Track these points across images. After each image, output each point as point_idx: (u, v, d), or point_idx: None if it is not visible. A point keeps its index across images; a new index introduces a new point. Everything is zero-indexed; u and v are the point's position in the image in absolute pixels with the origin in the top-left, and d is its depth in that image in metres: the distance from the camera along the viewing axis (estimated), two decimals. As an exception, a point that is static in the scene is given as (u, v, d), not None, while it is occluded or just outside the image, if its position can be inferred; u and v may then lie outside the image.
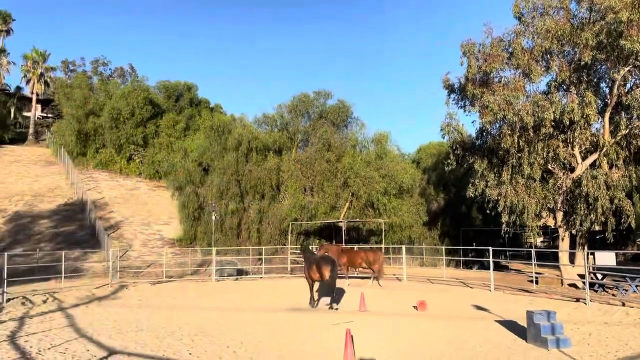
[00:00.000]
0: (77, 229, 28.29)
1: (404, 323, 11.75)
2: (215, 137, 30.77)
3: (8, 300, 15.22)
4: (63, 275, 18.58)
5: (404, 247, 22.80)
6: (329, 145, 30.73)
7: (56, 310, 13.91)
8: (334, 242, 28.79)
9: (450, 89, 22.05)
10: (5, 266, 15.66)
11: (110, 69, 60.82)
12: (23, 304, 15.16)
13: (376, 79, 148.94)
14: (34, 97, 53.81)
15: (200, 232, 28.96)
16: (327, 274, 14.11)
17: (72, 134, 40.06)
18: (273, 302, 15.91)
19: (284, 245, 27.93)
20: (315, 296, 14.88)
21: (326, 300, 14.63)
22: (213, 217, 25.96)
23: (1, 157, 42.12)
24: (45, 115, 59.55)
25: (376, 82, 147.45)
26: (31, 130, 52.58)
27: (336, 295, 14.67)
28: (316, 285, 15.17)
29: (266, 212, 29.00)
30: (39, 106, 57.16)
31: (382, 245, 27.04)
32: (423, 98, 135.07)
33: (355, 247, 25.35)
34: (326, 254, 16.84)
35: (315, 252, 18.13)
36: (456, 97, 21.86)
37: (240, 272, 23.70)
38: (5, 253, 17.03)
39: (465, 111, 21.42)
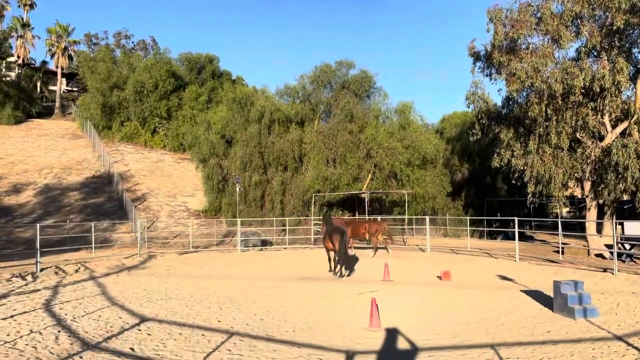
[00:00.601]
0: (105, 201, 28.93)
1: (428, 293, 11.80)
2: (238, 109, 30.81)
3: (42, 269, 15.73)
4: (93, 245, 19.08)
5: (427, 217, 22.73)
6: (352, 116, 30.50)
7: (88, 280, 14.35)
8: (353, 215, 28.87)
9: (476, 56, 21.52)
10: (38, 237, 16.13)
11: (132, 42, 61.13)
12: (56, 273, 15.67)
13: (400, 48, 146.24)
14: (59, 71, 54.49)
15: (224, 203, 29.33)
16: (336, 243, 14.54)
17: (97, 107, 40.60)
18: (298, 271, 16.13)
19: (307, 216, 28.12)
20: (333, 265, 15.25)
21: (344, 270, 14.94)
22: (237, 189, 26.23)
23: (29, 130, 43.06)
24: (70, 89, 60.40)
25: (400, 51, 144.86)
26: (57, 104, 53.44)
27: (346, 264, 15.03)
28: (332, 255, 15.53)
29: (289, 184, 29.16)
30: (64, 80, 57.94)
31: (406, 216, 27.07)
32: (448, 67, 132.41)
33: (379, 218, 25.36)
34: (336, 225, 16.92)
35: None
36: (482, 65, 21.34)
37: (265, 243, 24.02)
38: (37, 224, 17.51)
39: (491, 79, 20.95)
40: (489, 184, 35.89)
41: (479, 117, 21.90)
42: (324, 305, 10.37)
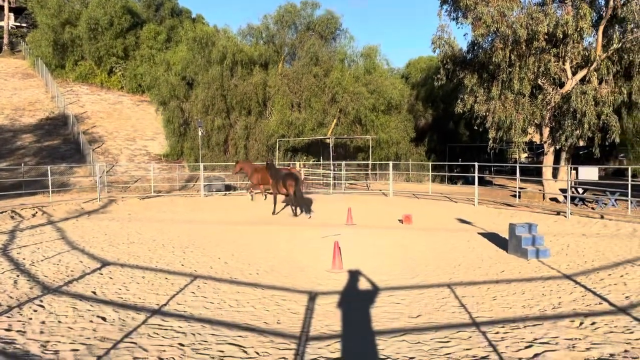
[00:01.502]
0: (61, 144, 27.89)
1: (389, 236, 12.07)
2: (199, 49, 29.64)
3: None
4: (50, 189, 18.52)
5: (390, 163, 22.98)
6: (317, 59, 29.89)
7: (46, 224, 14.01)
8: (318, 161, 28.92)
9: (443, -1, 21.18)
10: (-9, 181, 15.53)
11: (84, -26, 57.10)
12: (12, 217, 15.22)
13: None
14: (6, 5, 50.74)
15: (186, 147, 28.77)
16: (291, 189, 15.72)
17: (49, 45, 38.27)
18: (262, 216, 16.18)
19: (272, 161, 27.96)
20: (278, 208, 16.96)
21: (302, 210, 16.32)
22: (199, 133, 25.68)
23: (-24, 69, 40.47)
24: (19, 24, 56.55)
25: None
26: (5, 41, 50.10)
27: (305, 206, 16.49)
28: (280, 198, 17.56)
29: (253, 129, 28.76)
30: (11, 15, 54.10)
31: (370, 162, 27.28)
32: (415, 9, 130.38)
33: (343, 163, 25.48)
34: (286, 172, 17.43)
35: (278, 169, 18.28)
36: (449, 9, 21.04)
37: (228, 188, 23.90)
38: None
39: (457, 23, 20.73)
40: (451, 129, 36.39)
41: (445, 62, 21.82)
42: (288, 249, 10.49)
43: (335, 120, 29.38)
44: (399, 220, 14.56)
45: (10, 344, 5.26)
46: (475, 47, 21.30)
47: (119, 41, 38.07)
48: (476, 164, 18.70)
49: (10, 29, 52.14)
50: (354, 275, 8.06)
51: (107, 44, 37.80)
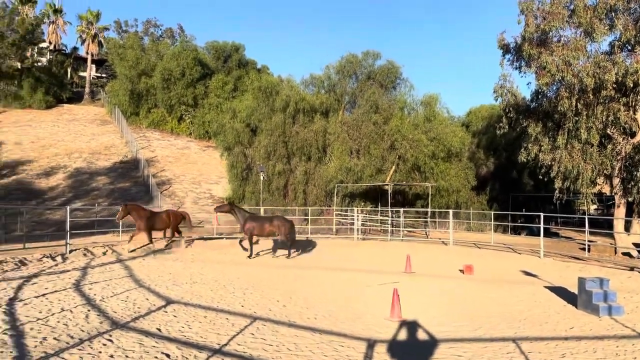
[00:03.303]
0: (132, 186, 29.51)
1: (450, 285, 11.78)
2: (263, 98, 30.96)
3: (71, 251, 16.21)
4: (120, 229, 19.51)
5: (450, 211, 22.57)
6: (377, 107, 30.38)
7: (115, 262, 14.72)
8: (375, 207, 28.81)
9: (505, 49, 21.15)
10: (68, 219, 16.60)
11: (160, 29, 61.69)
12: (85, 255, 16.12)
13: (428, 39, 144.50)
14: (89, 57, 55.43)
15: (248, 191, 29.62)
16: (284, 229, 16.56)
17: (126, 93, 41.28)
18: (320, 261, 16.25)
19: (330, 206, 28.21)
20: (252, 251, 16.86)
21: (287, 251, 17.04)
22: (261, 178, 26.43)
23: (60, 115, 44.04)
24: (99, 75, 61.42)
25: (428, 42, 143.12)
26: (87, 90, 54.45)
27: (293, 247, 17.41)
28: (254, 239, 17.70)
29: (312, 174, 29.27)
30: (93, 66, 58.93)
31: (429, 209, 26.86)
32: (477, 59, 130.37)
33: (401, 210, 25.28)
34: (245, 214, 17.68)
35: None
36: (511, 58, 20.97)
37: (287, 232, 24.17)
38: (67, 207, 17.97)
39: (520, 72, 20.57)
40: (514, 178, 35.42)
41: (507, 110, 21.57)
42: (346, 294, 10.46)
43: (394, 167, 29.43)
44: (460, 270, 14.19)
45: (82, 374, 5.54)
46: (539, 96, 20.96)
47: (189, 90, 40.43)
48: (541, 214, 18.06)
49: (91, 80, 56.66)
50: (413, 324, 7.92)
51: (179, 93, 40.23)
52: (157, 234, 18.60)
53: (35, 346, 6.46)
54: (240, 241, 17.16)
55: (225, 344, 6.68)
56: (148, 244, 17.63)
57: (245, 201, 29.62)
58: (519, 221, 29.61)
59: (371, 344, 6.83)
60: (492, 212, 25.03)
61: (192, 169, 34.09)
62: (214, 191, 31.04)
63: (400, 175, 29.36)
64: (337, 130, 29.87)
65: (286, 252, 17.07)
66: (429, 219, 28.03)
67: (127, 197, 27.48)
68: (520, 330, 7.69)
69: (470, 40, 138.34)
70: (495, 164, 35.65)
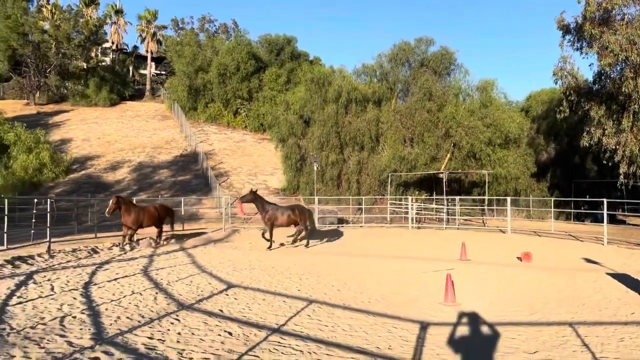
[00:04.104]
0: (192, 178, 30.70)
1: (506, 272, 11.64)
2: (316, 89, 31.25)
3: (139, 239, 17.16)
4: (183, 219, 20.43)
5: (508, 198, 22.07)
6: (430, 94, 29.99)
7: (178, 250, 15.49)
8: (430, 195, 28.55)
9: (565, 29, 20.37)
10: (135, 210, 17.55)
11: (215, 25, 63.28)
12: (150, 244, 17.03)
13: (483, 23, 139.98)
14: (149, 55, 57.78)
15: (302, 182, 30.10)
16: (306, 218, 16.64)
17: (184, 89, 42.79)
18: (374, 249, 16.41)
19: (383, 196, 28.21)
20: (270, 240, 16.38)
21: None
22: (315, 168, 26.81)
23: (123, 112, 46.26)
24: (159, 72, 63.91)
25: (483, 27, 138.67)
26: (147, 87, 56.84)
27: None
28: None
29: (365, 164, 29.34)
30: (153, 64, 61.39)
31: (486, 197, 26.33)
32: (535, 41, 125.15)
33: (457, 198, 24.94)
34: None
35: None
36: (571, 39, 20.19)
37: (341, 221, 24.48)
38: (134, 198, 19.01)
39: (581, 53, 19.81)
40: (577, 164, 33.99)
41: (567, 93, 20.81)
42: (399, 280, 10.59)
43: (448, 155, 29.01)
44: (518, 257, 13.95)
45: (152, 349, 6.01)
46: (602, 77, 20.10)
47: (244, 84, 41.39)
48: (605, 200, 17.37)
49: (151, 77, 59.03)
50: (467, 308, 7.96)
51: (234, 87, 41.28)
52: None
53: (110, 324, 7.02)
54: (263, 233, 16.71)
55: (283, 324, 7.01)
56: (127, 240, 16.16)
57: (300, 191, 30.15)
58: (582, 208, 28.46)
59: (424, 326, 6.95)
60: (553, 199, 24.23)
61: (248, 161, 34.99)
62: (269, 182, 31.76)
63: (456, 163, 28.91)
64: (390, 119, 29.75)
65: (316, 240, 17.35)
66: (486, 207, 27.49)
67: (187, 189, 28.64)
68: (578, 315, 7.57)
69: (528, 21, 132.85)
70: (556, 149, 34.35)
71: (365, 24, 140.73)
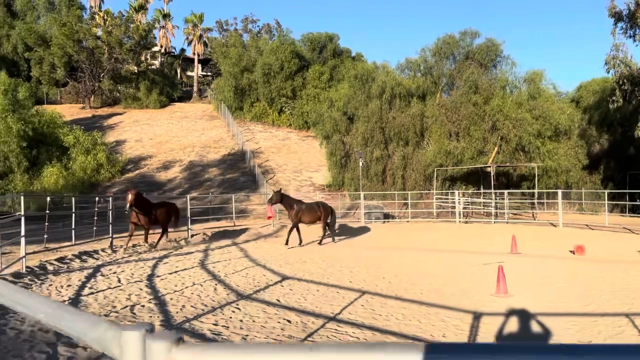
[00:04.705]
0: (240, 176, 31.51)
1: (558, 265, 11.54)
2: (359, 85, 31.37)
3: (192, 235, 17.91)
4: (234, 215, 21.10)
5: (559, 192, 21.58)
6: (476, 87, 29.58)
7: (231, 245, 16.08)
8: (477, 189, 28.20)
9: (617, 17, 19.76)
10: (189, 207, 18.33)
11: (258, 25, 64.44)
12: (204, 239, 17.74)
13: (529, 13, 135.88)
14: (196, 58, 59.37)
15: (347, 178, 30.33)
16: (328, 216, 16.65)
17: (230, 90, 43.83)
18: (422, 243, 16.49)
19: (429, 190, 28.09)
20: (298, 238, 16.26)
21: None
22: (360, 164, 27.00)
23: (173, 113, 47.79)
24: (205, 73, 65.61)
25: (529, 16, 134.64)
26: (195, 88, 58.46)
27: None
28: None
29: (410, 159, 29.27)
30: (199, 65, 63.06)
31: (535, 191, 25.79)
32: (585, 30, 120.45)
33: (505, 192, 24.58)
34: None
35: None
36: (624, 26, 19.58)
37: (387, 216, 24.59)
38: (188, 196, 19.80)
39: (635, 41, 19.22)
40: (632, 155, 32.66)
41: (620, 82, 20.19)
42: (450, 273, 10.70)
43: (496, 148, 28.55)
44: (570, 251, 13.73)
45: (218, 335, 6.44)
46: (658, 64, 19.38)
47: (288, 83, 42.00)
48: (663, 192, 16.77)
49: (198, 78, 60.67)
50: (519, 300, 8.02)
51: (278, 86, 41.95)
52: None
53: (177, 312, 7.52)
54: (291, 231, 16.12)
55: (338, 313, 7.31)
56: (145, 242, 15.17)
57: (345, 187, 30.40)
58: (638, 201, 27.43)
59: (477, 316, 7.09)
60: (606, 192, 23.50)
61: (293, 158, 35.54)
62: (314, 179, 32.18)
63: (504, 157, 28.43)
64: (434, 113, 29.55)
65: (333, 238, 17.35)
66: (536, 201, 26.90)
67: (235, 187, 29.44)
68: (634, 306, 7.50)
69: (576, 9, 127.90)
70: (610, 140, 33.14)
71: (407, 19, 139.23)
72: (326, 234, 16.95)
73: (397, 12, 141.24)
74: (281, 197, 16.19)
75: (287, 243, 15.64)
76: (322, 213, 16.53)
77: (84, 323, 1.00)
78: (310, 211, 16.37)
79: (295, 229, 16.15)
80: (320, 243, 16.46)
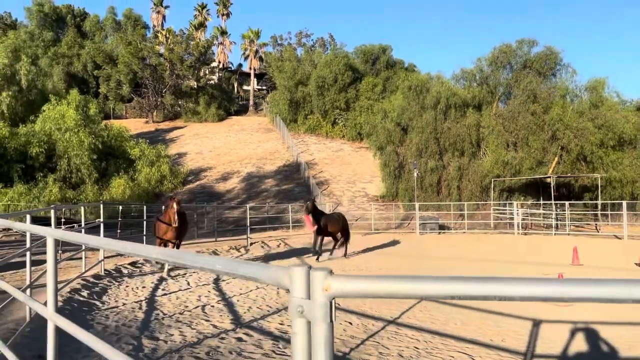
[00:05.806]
0: (295, 187, 32.19)
1: (622, 276, 11.19)
2: (413, 96, 31.42)
3: (251, 244, 18.57)
4: (290, 224, 21.67)
5: (624, 203, 20.79)
6: (534, 96, 28.98)
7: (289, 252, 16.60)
8: (537, 200, 27.49)
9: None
10: (248, 216, 19.10)
11: (312, 39, 65.62)
12: (262, 247, 18.36)
13: (589, 18, 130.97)
14: (252, 72, 61.22)
15: (401, 189, 30.33)
16: (342, 227, 15.64)
17: (285, 103, 44.91)
18: (478, 254, 16.38)
19: (486, 201, 27.67)
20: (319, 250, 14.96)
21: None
22: (415, 174, 27.01)
23: (230, 126, 49.43)
24: (260, 87, 67.43)
25: (590, 24, 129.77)
26: (251, 102, 60.22)
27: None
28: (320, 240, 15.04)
29: (466, 169, 28.96)
30: (255, 80, 64.94)
31: (599, 202, 24.91)
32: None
33: (566, 204, 23.89)
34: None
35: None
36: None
37: (442, 227, 24.44)
38: (247, 205, 20.58)
39: None
40: None
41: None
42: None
43: (556, 159, 27.80)
44: (636, 263, 13.28)
45: (284, 333, 6.84)
46: None
47: (341, 95, 42.59)
48: None
49: (254, 92, 62.44)
50: (579, 309, 7.97)
51: (332, 98, 42.61)
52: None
53: (244, 312, 8.01)
54: (319, 245, 15.02)
55: (398, 317, 7.56)
56: None
57: (399, 198, 30.40)
58: None
59: (537, 322, 7.15)
60: (677, 204, 22.39)
61: (346, 170, 35.91)
62: (367, 189, 32.38)
63: (564, 167, 27.63)
64: (491, 123, 29.15)
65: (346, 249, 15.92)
66: (599, 213, 25.94)
67: (290, 197, 30.11)
68: None
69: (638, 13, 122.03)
70: (679, 150, 31.47)
71: (461, 31, 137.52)
72: (338, 245, 15.92)
73: (450, 23, 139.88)
74: (314, 208, 15.06)
75: (318, 257, 14.69)
76: (340, 225, 15.59)
77: (255, 268, 1.40)
78: (332, 221, 15.50)
79: (319, 241, 15.01)
80: (345, 255, 15.55)
